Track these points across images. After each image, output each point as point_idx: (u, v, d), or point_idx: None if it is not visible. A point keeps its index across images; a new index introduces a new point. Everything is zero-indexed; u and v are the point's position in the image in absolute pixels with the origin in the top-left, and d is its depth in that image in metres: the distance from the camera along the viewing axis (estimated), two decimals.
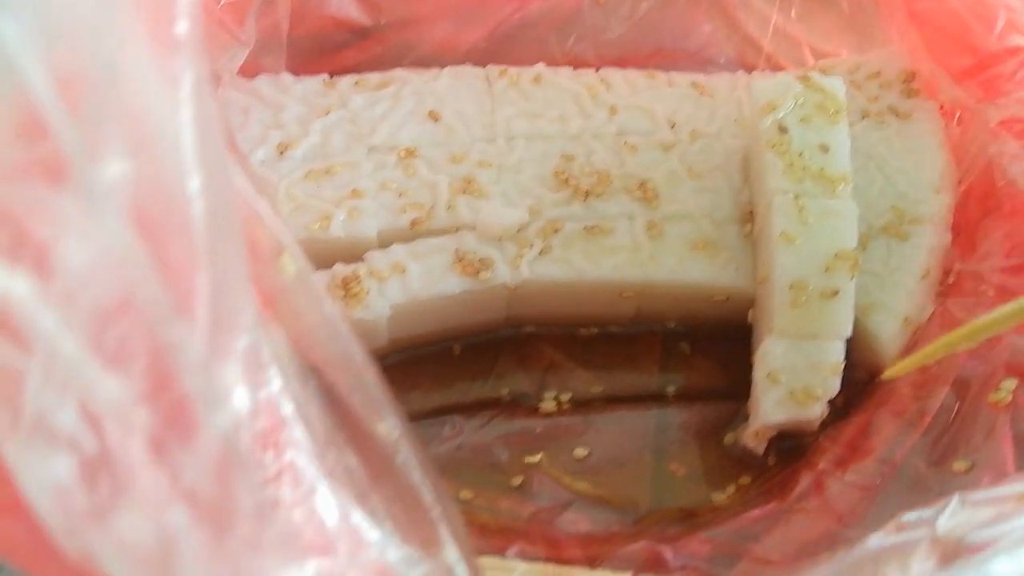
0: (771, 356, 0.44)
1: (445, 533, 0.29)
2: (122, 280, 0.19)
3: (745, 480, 0.46)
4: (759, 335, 0.47)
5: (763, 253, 0.46)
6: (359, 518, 0.27)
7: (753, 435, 0.45)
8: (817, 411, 0.43)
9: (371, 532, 0.27)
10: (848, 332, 0.44)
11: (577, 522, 0.44)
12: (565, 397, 0.48)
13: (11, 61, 0.18)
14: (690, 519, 0.44)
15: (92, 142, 0.19)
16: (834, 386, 0.44)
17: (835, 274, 0.44)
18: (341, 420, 0.29)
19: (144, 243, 0.20)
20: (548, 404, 0.48)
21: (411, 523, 0.28)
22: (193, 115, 0.20)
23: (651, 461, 0.46)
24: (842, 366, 0.44)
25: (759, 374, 0.44)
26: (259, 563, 0.21)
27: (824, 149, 0.46)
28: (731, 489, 0.46)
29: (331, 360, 0.29)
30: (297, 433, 0.25)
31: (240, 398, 0.22)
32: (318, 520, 0.25)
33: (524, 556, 0.42)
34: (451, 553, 0.28)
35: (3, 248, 0.18)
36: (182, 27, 0.20)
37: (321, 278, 0.45)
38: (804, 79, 0.48)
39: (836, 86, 0.48)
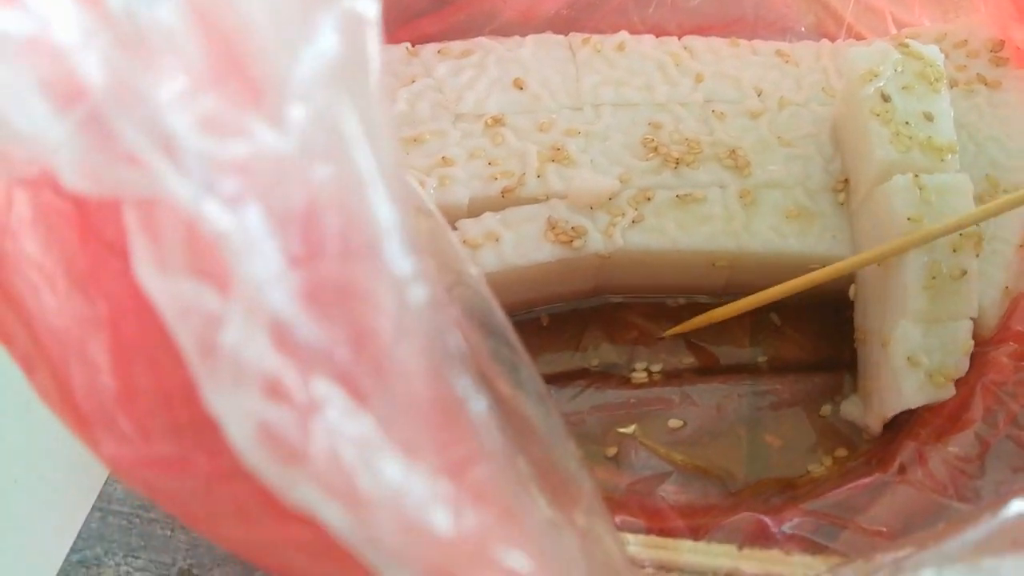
0: (910, 340, 0.42)
1: (591, 502, 0.28)
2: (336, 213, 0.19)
3: (842, 452, 0.45)
4: (871, 313, 0.45)
5: (875, 230, 0.45)
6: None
7: (880, 418, 0.44)
8: (950, 392, 0.42)
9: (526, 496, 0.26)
10: (975, 311, 0.43)
11: (675, 493, 0.43)
12: (656, 368, 0.47)
13: None
14: (789, 490, 0.44)
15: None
16: (964, 366, 0.43)
17: (962, 254, 0.43)
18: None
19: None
20: (639, 375, 0.47)
21: (556, 489, 0.28)
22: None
23: (745, 433, 0.46)
24: (972, 345, 0.43)
25: (897, 359, 0.42)
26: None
27: (929, 118, 0.45)
28: (828, 461, 0.45)
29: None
30: None
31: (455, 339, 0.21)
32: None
33: (625, 527, 0.41)
34: (599, 523, 0.28)
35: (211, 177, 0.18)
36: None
37: None
38: (902, 47, 0.47)
39: (934, 54, 0.47)
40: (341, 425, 0.19)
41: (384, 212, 0.19)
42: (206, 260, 0.19)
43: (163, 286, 0.19)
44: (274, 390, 0.19)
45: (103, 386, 0.22)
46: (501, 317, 0.29)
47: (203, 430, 0.23)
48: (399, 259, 0.19)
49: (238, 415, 0.19)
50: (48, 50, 0.18)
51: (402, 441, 0.20)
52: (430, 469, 0.20)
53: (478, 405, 0.24)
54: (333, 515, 0.19)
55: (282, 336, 0.19)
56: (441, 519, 0.19)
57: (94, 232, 0.22)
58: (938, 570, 0.28)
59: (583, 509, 0.29)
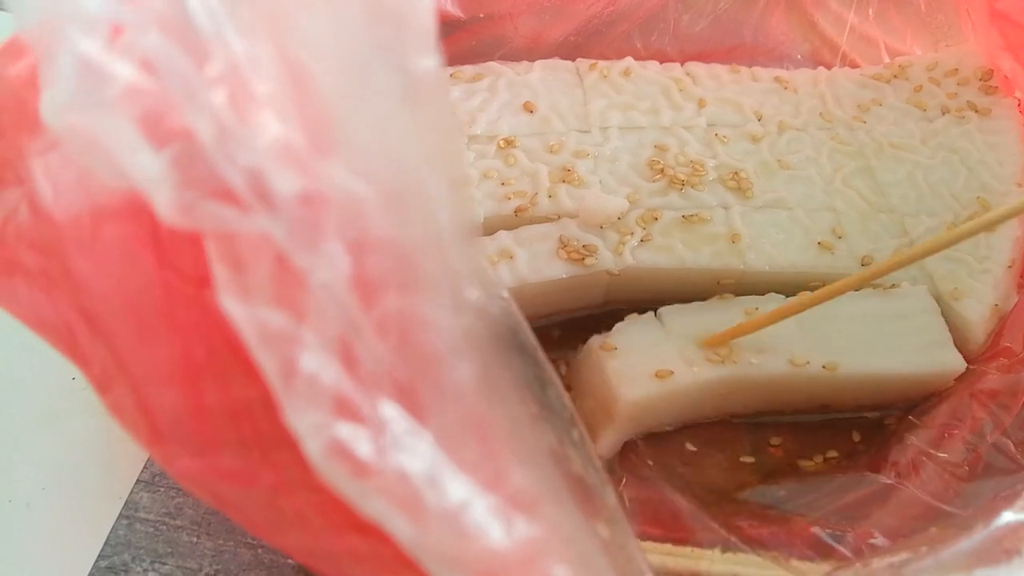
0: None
1: (614, 513, 0.30)
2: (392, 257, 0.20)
3: (833, 454, 0.47)
4: None
5: None
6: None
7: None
8: None
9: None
10: None
11: (685, 502, 0.45)
12: None
13: None
14: (790, 480, 0.45)
15: None
16: None
17: None
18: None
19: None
20: None
21: (580, 500, 0.29)
22: None
23: (747, 435, 0.47)
24: None
25: None
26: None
27: None
28: (819, 459, 0.47)
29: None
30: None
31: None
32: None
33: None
34: (621, 533, 0.29)
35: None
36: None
37: None
38: None
39: None
40: (404, 441, 0.21)
41: (452, 246, 0.20)
42: (287, 290, 0.21)
43: (246, 313, 0.21)
44: (346, 409, 0.21)
45: (178, 404, 0.24)
46: (531, 336, 0.30)
47: (269, 445, 0.24)
48: (464, 290, 0.21)
49: (313, 432, 0.20)
50: (150, 95, 0.20)
51: (458, 457, 0.22)
52: (484, 483, 0.22)
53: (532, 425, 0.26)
54: (399, 527, 0.20)
55: (352, 360, 0.21)
56: (496, 530, 0.21)
57: (168, 260, 0.24)
58: None
59: (606, 520, 0.31)
